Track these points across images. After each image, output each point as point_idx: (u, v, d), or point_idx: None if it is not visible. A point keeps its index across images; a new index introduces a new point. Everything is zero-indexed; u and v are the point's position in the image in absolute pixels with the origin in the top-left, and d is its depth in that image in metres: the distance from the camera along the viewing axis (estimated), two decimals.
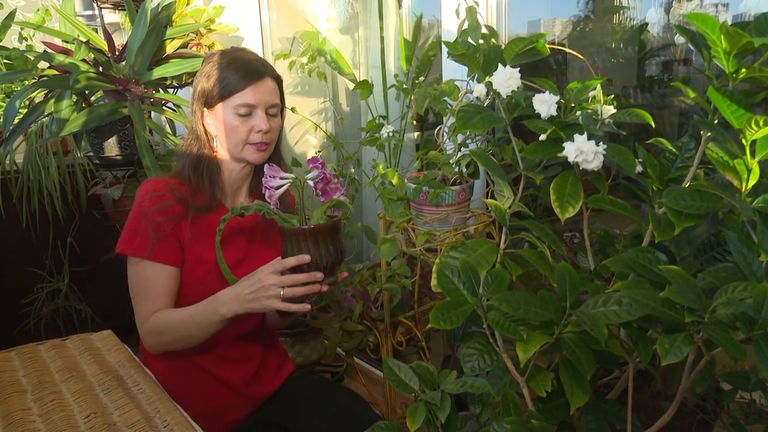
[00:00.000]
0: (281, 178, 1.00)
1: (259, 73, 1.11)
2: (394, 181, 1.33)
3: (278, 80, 1.16)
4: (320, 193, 1.00)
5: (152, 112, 1.83)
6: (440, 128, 1.30)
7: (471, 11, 1.21)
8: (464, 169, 1.26)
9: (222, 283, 1.13)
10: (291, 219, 0.99)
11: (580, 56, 1.32)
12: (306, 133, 2.23)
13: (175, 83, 1.82)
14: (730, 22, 0.70)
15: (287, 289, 0.96)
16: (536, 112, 0.89)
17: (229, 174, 1.17)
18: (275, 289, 0.96)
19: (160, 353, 1.13)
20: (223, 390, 1.18)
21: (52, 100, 1.56)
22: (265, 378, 1.24)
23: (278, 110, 1.15)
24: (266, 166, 1.01)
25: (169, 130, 1.95)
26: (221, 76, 1.11)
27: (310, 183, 1.02)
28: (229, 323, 1.17)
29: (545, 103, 0.88)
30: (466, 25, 1.22)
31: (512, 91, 0.91)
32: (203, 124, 1.14)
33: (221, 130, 1.12)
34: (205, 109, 1.13)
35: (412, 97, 1.63)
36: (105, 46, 1.74)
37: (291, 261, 0.96)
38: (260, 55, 2.12)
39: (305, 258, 0.96)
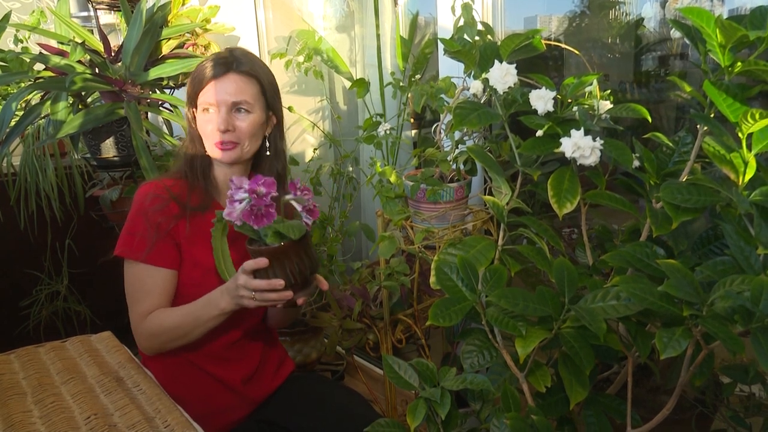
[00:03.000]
0: (245, 192, 0.92)
1: (221, 69, 1.08)
2: (392, 179, 1.33)
3: (252, 76, 1.11)
4: (252, 221, 0.91)
5: (149, 113, 1.83)
6: (437, 125, 1.30)
7: (467, 8, 1.21)
8: (462, 166, 1.26)
9: (220, 283, 1.13)
10: (268, 231, 0.94)
11: (577, 52, 1.32)
12: (303, 132, 2.23)
13: (171, 84, 1.82)
14: (725, 16, 0.70)
15: (258, 294, 0.96)
16: (533, 108, 0.89)
17: (222, 173, 1.17)
18: (244, 290, 0.97)
19: (159, 354, 1.13)
20: (222, 390, 1.18)
21: (49, 102, 1.55)
22: (265, 377, 1.24)
23: (249, 107, 1.10)
24: (233, 177, 0.94)
25: (166, 131, 1.95)
26: (194, 75, 1.11)
27: (297, 207, 0.98)
28: (229, 323, 1.17)
29: (542, 99, 0.88)
30: (462, 22, 1.22)
31: (509, 88, 0.91)
32: (194, 124, 1.15)
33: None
34: (192, 110, 1.14)
35: (409, 95, 1.63)
36: (101, 47, 1.73)
37: (262, 284, 0.95)
38: (257, 53, 2.11)
39: (276, 283, 0.94)
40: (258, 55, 2.17)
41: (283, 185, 1.25)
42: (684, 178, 0.84)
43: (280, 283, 0.94)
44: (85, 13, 2.27)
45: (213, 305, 1.03)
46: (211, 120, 1.09)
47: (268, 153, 1.20)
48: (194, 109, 1.13)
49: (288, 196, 0.97)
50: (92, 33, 1.82)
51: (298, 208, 0.98)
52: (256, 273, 0.96)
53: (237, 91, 1.09)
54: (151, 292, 1.09)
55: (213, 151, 1.12)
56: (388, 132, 1.44)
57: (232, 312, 1.04)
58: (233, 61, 1.10)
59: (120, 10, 1.87)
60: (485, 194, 1.22)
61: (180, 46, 1.84)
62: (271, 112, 1.17)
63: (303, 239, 0.96)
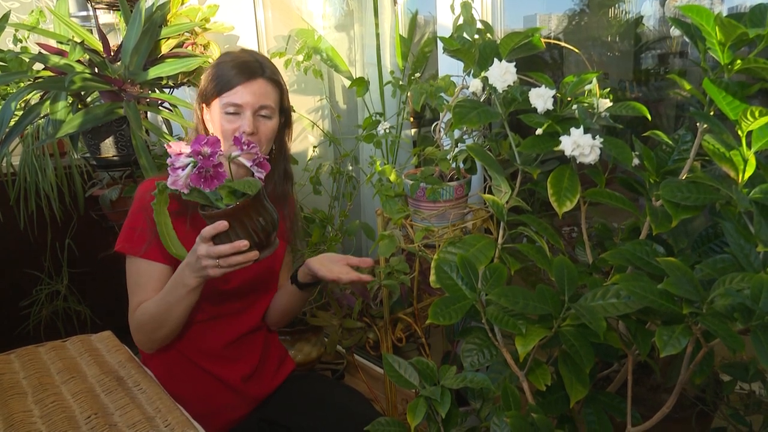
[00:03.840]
0: (188, 156, 0.87)
1: (251, 73, 1.11)
2: (392, 177, 1.32)
3: (276, 83, 1.15)
4: (203, 184, 0.86)
5: (148, 113, 1.82)
6: (437, 124, 1.30)
7: (466, 7, 1.21)
8: (461, 165, 1.26)
9: (225, 282, 1.13)
10: (221, 192, 0.90)
11: (576, 50, 1.32)
12: (303, 131, 2.23)
13: (170, 83, 1.82)
14: (725, 14, 0.70)
15: (223, 261, 0.92)
16: (532, 106, 0.89)
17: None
18: (207, 260, 0.93)
19: (156, 350, 1.13)
20: (222, 389, 1.18)
21: (48, 102, 1.55)
22: (265, 377, 1.24)
23: (271, 113, 1.14)
24: (170, 143, 0.90)
25: (166, 130, 1.95)
26: (216, 74, 1.12)
27: (245, 162, 0.93)
28: (228, 322, 1.17)
29: (541, 98, 0.88)
30: (461, 21, 1.21)
31: (508, 86, 0.91)
32: (203, 122, 1.16)
33: (215, 128, 1.14)
34: (204, 106, 1.15)
35: (409, 94, 1.63)
36: (100, 47, 1.73)
37: (226, 248, 0.91)
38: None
39: (240, 245, 0.90)
40: None
41: (290, 181, 1.27)
42: (684, 176, 0.84)
43: (244, 243, 0.90)
44: (84, 13, 2.27)
45: (180, 285, 1.01)
46: (235, 121, 1.10)
47: (273, 154, 1.22)
48: (204, 107, 1.14)
49: (235, 153, 0.92)
50: (91, 32, 1.82)
51: (248, 163, 0.93)
52: (215, 239, 0.92)
53: (264, 96, 1.12)
54: (144, 285, 1.09)
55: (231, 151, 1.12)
56: (387, 131, 1.44)
57: (201, 286, 1.01)
58: (260, 67, 1.13)
59: (119, 10, 1.87)
60: (485, 193, 1.22)
61: (179, 45, 1.83)
62: (283, 117, 1.20)
63: (259, 195, 0.91)
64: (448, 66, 1.51)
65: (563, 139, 0.84)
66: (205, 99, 1.14)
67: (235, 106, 1.10)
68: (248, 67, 1.12)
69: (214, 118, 1.13)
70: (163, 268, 1.11)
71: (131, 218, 1.11)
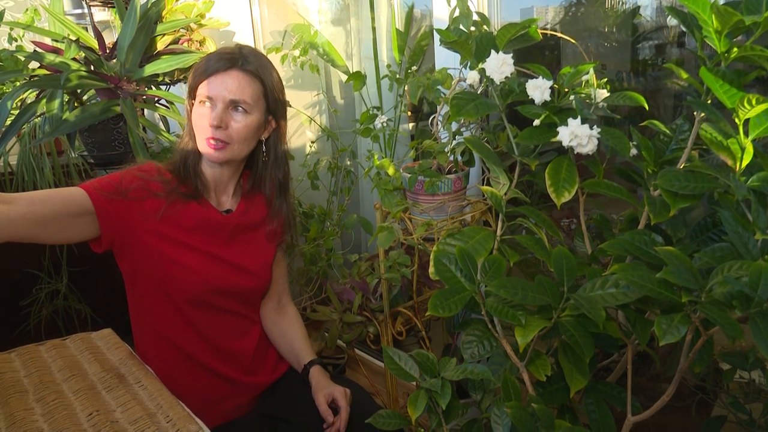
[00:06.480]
0: None
1: (226, 63, 1.06)
2: (390, 171, 1.32)
3: (257, 77, 1.09)
4: None
5: (145, 110, 1.82)
6: (434, 117, 1.29)
7: None
8: (459, 158, 1.26)
9: (222, 272, 1.13)
10: None
11: (573, 41, 1.32)
12: (300, 127, 2.23)
13: (167, 80, 1.81)
14: (721, 2, 0.70)
15: None
16: (530, 97, 0.89)
17: (212, 172, 1.15)
18: None
19: (153, 344, 1.13)
20: (221, 381, 1.18)
21: (44, 100, 1.55)
22: (264, 369, 1.24)
23: (248, 108, 1.07)
24: None
25: (163, 127, 1.94)
26: (198, 65, 1.09)
27: None
28: (225, 315, 1.17)
29: (539, 89, 0.88)
30: (457, 13, 1.21)
31: (505, 78, 0.91)
32: (191, 117, 1.14)
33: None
34: (191, 101, 1.12)
35: (406, 87, 1.62)
36: (95, 45, 1.72)
37: None
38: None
39: None
40: None
41: (285, 192, 1.24)
42: (682, 165, 0.84)
43: None
44: (79, 11, 2.26)
45: None
46: (206, 114, 1.07)
47: (265, 158, 1.18)
48: (193, 101, 1.12)
49: None
50: (86, 30, 1.81)
51: None
52: None
53: (238, 89, 1.06)
54: (42, 192, 0.97)
55: (203, 146, 1.09)
56: (385, 124, 1.44)
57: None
58: (239, 58, 1.07)
59: (114, 7, 1.86)
60: (483, 185, 1.22)
61: (175, 41, 1.83)
62: (271, 116, 1.15)
63: None
64: (444, 59, 1.51)
65: (561, 129, 0.84)
66: (190, 92, 1.11)
67: (206, 98, 1.06)
68: (225, 57, 1.06)
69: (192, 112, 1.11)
70: (77, 195, 0.98)
71: (113, 174, 1.07)
